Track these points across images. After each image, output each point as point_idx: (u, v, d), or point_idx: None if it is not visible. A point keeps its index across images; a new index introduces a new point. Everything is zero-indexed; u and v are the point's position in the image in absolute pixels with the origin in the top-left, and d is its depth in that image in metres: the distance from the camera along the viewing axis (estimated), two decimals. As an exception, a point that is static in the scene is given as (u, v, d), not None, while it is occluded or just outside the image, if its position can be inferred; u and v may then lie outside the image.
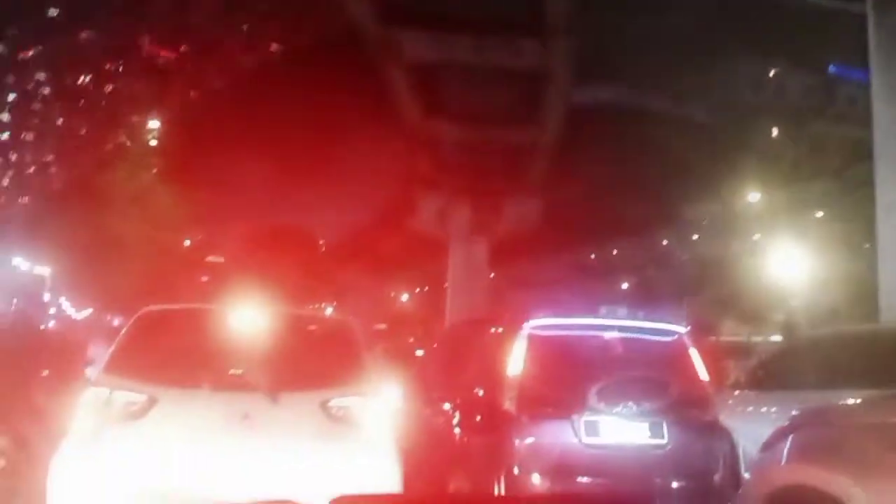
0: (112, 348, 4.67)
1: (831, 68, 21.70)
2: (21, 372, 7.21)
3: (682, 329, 5.66)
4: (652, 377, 5.33)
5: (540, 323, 5.36)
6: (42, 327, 16.23)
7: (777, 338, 22.24)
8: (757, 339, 24.66)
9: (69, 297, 35.66)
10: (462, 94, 17.22)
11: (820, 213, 24.54)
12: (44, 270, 30.41)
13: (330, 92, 16.95)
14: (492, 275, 20.52)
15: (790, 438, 3.36)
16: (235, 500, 3.71)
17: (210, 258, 27.63)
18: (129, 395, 4.35)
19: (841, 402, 3.90)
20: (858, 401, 3.68)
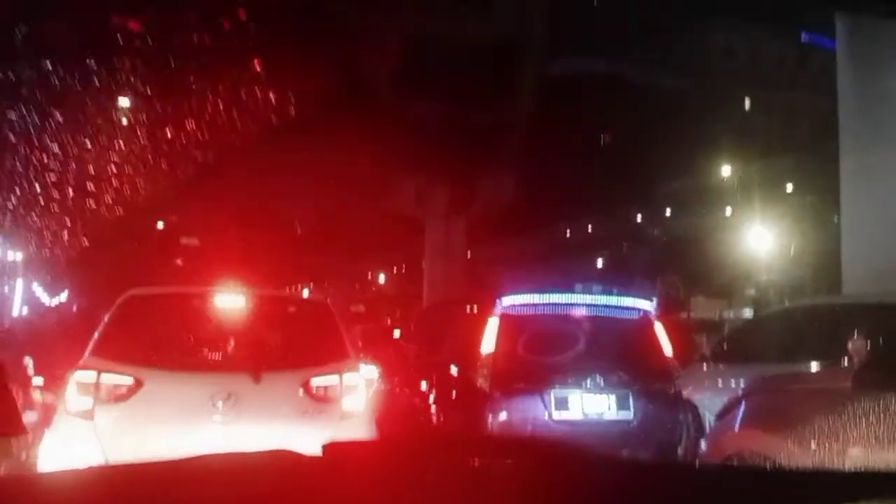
0: (98, 331, 4.80)
1: (803, 36, 21.83)
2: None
3: (648, 305, 5.90)
4: (618, 353, 5.57)
5: (512, 301, 5.57)
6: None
7: (749, 313, 22.67)
8: (728, 314, 25.15)
9: (42, 283, 35.34)
10: (436, 72, 17.21)
11: (790, 187, 24.92)
12: (16, 255, 30.07)
13: (302, 72, 16.87)
14: (469, 254, 20.68)
15: (741, 406, 3.60)
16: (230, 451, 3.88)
17: (184, 240, 27.44)
18: (117, 377, 4.50)
19: (788, 373, 4.15)
20: (804, 371, 3.93)
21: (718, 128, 23.54)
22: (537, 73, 17.21)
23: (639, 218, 30.09)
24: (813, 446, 3.08)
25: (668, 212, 29.13)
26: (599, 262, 29.13)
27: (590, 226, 30.91)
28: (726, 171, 26.03)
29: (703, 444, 3.91)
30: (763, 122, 24.65)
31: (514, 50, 16.99)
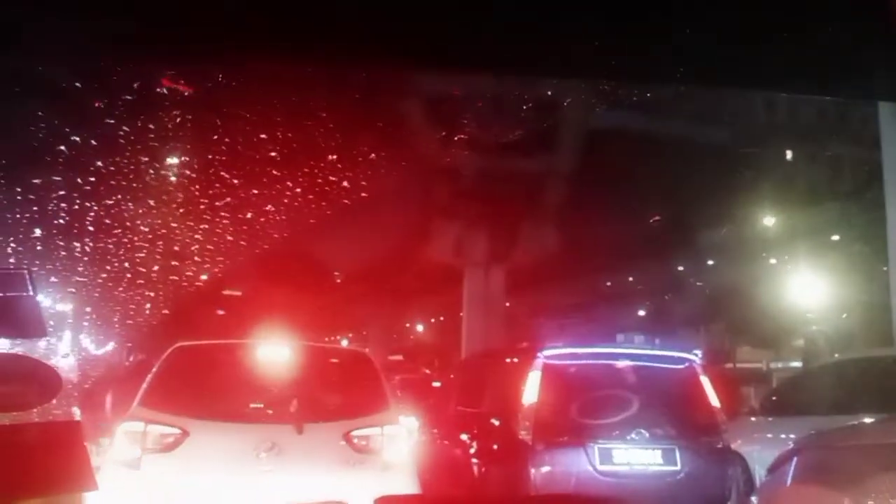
0: (146, 382, 4.89)
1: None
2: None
3: (692, 356, 5.80)
4: (663, 404, 5.47)
5: (554, 352, 5.53)
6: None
7: (797, 364, 22.09)
8: (775, 365, 24.50)
9: (88, 334, 36.04)
10: (477, 122, 17.42)
11: (836, 237, 24.44)
12: (65, 307, 30.76)
13: (343, 124, 17.21)
14: (507, 304, 20.58)
15: (794, 461, 3.50)
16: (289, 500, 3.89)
17: (227, 291, 27.83)
18: (163, 428, 4.56)
19: (842, 426, 4.03)
20: (858, 424, 3.82)
21: (760, 179, 23.34)
22: (579, 126, 17.33)
23: (681, 268, 29.70)
24: (869, 499, 2.98)
25: (710, 262, 28.72)
26: (641, 312, 28.73)
27: (631, 277, 30.61)
28: (769, 221, 25.67)
29: (753, 500, 3.79)
30: (805, 172, 24.38)
31: (555, 102, 17.17)
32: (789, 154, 25.68)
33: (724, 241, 26.44)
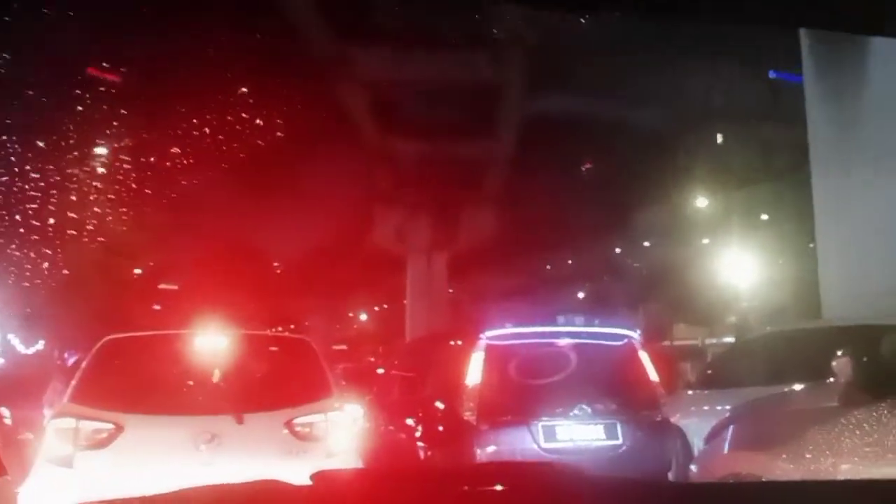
0: (76, 377, 4.71)
1: (771, 73, 22.40)
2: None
3: (631, 333, 5.91)
4: (604, 381, 5.55)
5: (496, 334, 5.55)
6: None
7: (730, 339, 22.78)
8: (711, 341, 25.22)
9: (17, 333, 34.72)
10: (416, 109, 17.36)
11: (765, 216, 25.25)
12: (-10, 306, 29.53)
13: (282, 109, 16.93)
14: (450, 289, 20.65)
15: (730, 429, 3.59)
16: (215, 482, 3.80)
17: (163, 285, 27.16)
18: (96, 424, 4.40)
19: (772, 395, 4.16)
20: (788, 392, 3.95)
21: (693, 162, 23.94)
22: (516, 111, 17.45)
23: (618, 250, 30.28)
24: (804, 464, 3.08)
25: (646, 243, 29.37)
26: (581, 294, 29.20)
27: (570, 259, 31.04)
28: (702, 202, 26.40)
29: (692, 468, 3.89)
30: (737, 155, 25.10)
31: (493, 88, 17.23)
32: (720, 137, 26.41)
33: (659, 222, 27.04)
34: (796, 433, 3.19)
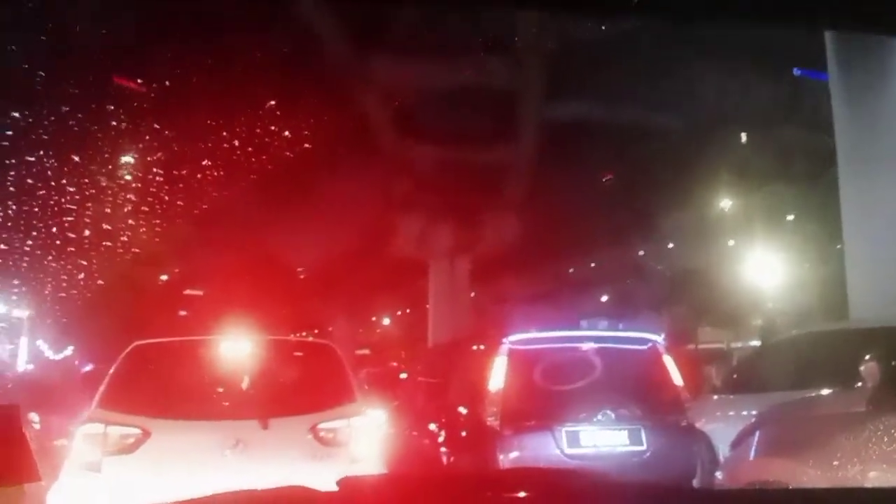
0: (104, 383, 4.78)
1: (795, 71, 22.15)
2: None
3: (655, 337, 5.86)
4: (628, 385, 5.52)
5: (519, 338, 5.54)
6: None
7: (756, 343, 22.52)
8: (736, 344, 24.95)
9: (46, 339, 35.25)
10: (437, 115, 17.40)
11: (791, 217, 24.95)
12: (21, 313, 30.02)
13: (306, 118, 17.09)
14: (473, 293, 20.63)
15: (756, 435, 3.55)
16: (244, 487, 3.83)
17: (188, 291, 27.41)
18: (123, 429, 4.46)
19: (799, 399, 4.11)
20: (815, 396, 3.90)
21: (717, 162, 23.73)
22: (536, 116, 17.45)
23: (641, 252, 30.10)
24: (832, 470, 3.04)
25: (670, 245, 29.15)
26: (604, 298, 29.04)
27: (593, 262, 30.92)
28: (727, 204, 26.16)
29: (718, 475, 3.85)
30: (761, 155, 24.84)
31: (514, 93, 17.24)
32: (744, 137, 26.15)
33: (683, 224, 26.83)
34: (824, 439, 3.15)
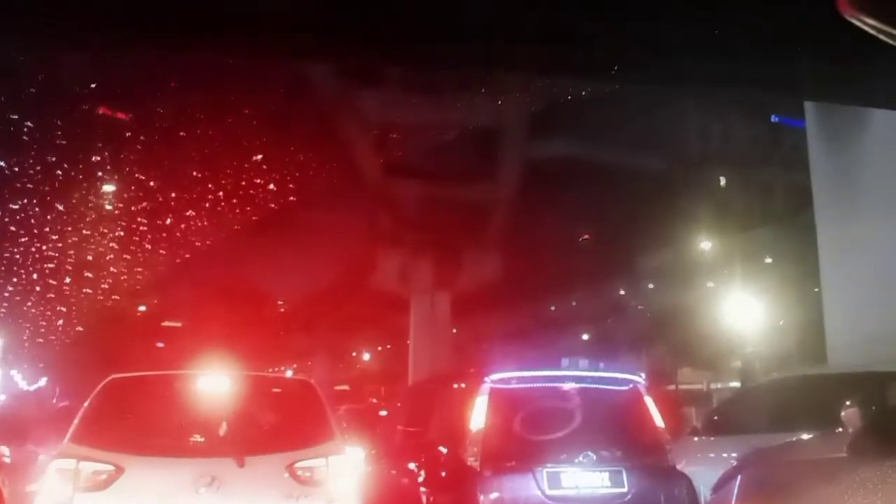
0: (78, 417, 4.68)
1: (773, 117, 22.60)
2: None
3: (637, 378, 5.86)
4: (610, 426, 5.49)
5: (500, 377, 5.50)
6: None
7: (736, 384, 22.58)
8: (716, 385, 25.00)
9: (21, 370, 34.62)
10: (420, 152, 17.54)
11: (769, 259, 25.23)
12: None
13: (286, 156, 17.16)
14: (454, 330, 20.58)
15: (738, 479, 3.54)
16: None
17: (166, 322, 27.12)
18: (96, 465, 4.36)
19: (782, 443, 4.10)
20: (798, 440, 3.90)
21: (696, 205, 24.04)
22: (519, 155, 17.64)
23: (622, 292, 30.26)
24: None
25: (650, 286, 29.35)
26: (585, 337, 29.08)
27: (574, 301, 31.04)
28: (706, 245, 26.44)
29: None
30: (739, 197, 25.22)
31: (497, 133, 17.43)
32: (723, 181, 26.54)
33: (663, 265, 27.04)
34: (805, 485, 3.14)
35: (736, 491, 3.53)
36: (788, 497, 3.17)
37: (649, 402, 5.72)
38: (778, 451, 3.74)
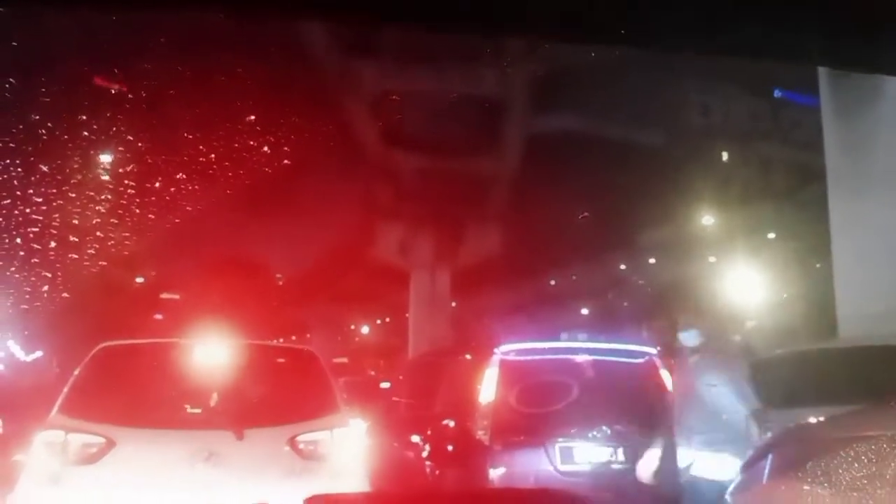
0: (67, 387, 4.44)
1: (776, 92, 22.36)
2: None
3: (652, 350, 5.65)
4: (624, 400, 5.29)
5: (511, 349, 5.29)
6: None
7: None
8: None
9: (17, 340, 34.47)
10: (421, 124, 17.28)
11: (772, 234, 25.08)
12: (-10, 312, 29.28)
13: (285, 124, 16.83)
14: (453, 304, 20.45)
15: (769, 457, 3.32)
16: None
17: (164, 294, 26.96)
18: (86, 437, 4.13)
19: (816, 420, 3.90)
20: (837, 416, 3.69)
21: (697, 180, 23.82)
22: (521, 128, 17.39)
23: (623, 266, 30.14)
24: (852, 497, 2.82)
25: (651, 260, 29.22)
26: (585, 311, 28.99)
27: (574, 276, 30.90)
28: (708, 220, 26.28)
29: (727, 500, 3.62)
30: (741, 173, 25.00)
31: (499, 105, 17.17)
32: (725, 155, 26.29)
33: (664, 239, 26.89)
34: (844, 463, 2.92)
35: (767, 470, 3.32)
36: (826, 475, 2.96)
37: (665, 375, 5.51)
38: (814, 428, 3.52)
